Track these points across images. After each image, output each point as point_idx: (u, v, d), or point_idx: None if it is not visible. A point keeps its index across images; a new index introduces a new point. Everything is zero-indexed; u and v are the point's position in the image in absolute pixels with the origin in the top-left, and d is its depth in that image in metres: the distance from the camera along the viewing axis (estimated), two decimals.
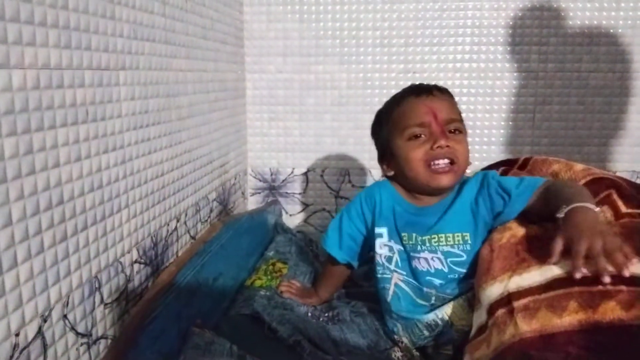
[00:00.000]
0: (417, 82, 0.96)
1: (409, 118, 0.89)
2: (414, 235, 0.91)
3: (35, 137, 0.61)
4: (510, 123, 1.51)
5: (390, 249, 0.93)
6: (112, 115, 0.78)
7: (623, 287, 0.67)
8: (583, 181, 0.89)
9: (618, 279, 0.66)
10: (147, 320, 0.77)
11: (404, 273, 0.92)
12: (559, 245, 0.70)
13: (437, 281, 0.89)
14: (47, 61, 0.63)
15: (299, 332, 0.87)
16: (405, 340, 0.93)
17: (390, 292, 0.93)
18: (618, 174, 1.48)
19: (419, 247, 0.90)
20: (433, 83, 1.36)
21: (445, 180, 0.87)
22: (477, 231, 0.89)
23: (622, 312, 0.65)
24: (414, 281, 0.91)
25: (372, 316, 0.96)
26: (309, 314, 0.96)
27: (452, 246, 0.89)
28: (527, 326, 0.69)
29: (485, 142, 1.52)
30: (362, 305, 1.00)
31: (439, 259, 0.89)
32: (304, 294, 1.04)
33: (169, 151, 0.99)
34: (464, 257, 0.88)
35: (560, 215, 0.73)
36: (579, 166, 0.95)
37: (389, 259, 0.93)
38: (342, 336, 0.89)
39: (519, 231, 0.83)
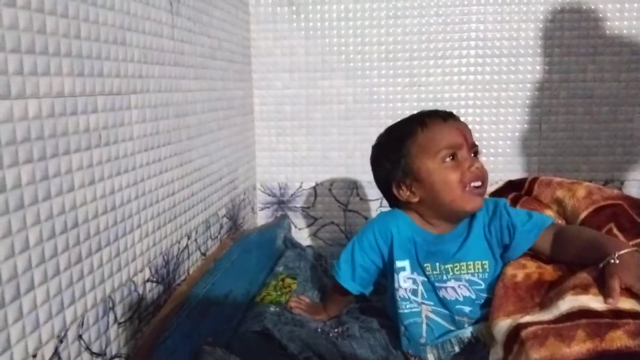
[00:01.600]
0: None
1: (441, 140, 0.88)
2: (437, 264, 0.90)
3: (51, 164, 0.63)
4: (517, 134, 1.52)
5: (414, 281, 0.92)
6: (124, 138, 0.80)
7: (630, 320, 0.69)
8: (585, 212, 0.94)
9: (625, 314, 0.70)
10: (160, 339, 0.78)
11: (432, 303, 0.91)
12: (617, 286, 0.72)
13: (467, 309, 0.90)
14: (62, 89, 0.65)
15: (309, 349, 0.88)
16: (431, 357, 0.91)
17: (424, 327, 0.91)
18: (626, 183, 1.50)
19: (444, 277, 0.90)
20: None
21: (479, 202, 0.88)
22: (495, 259, 0.91)
23: (629, 341, 0.67)
24: (443, 310, 0.91)
25: (382, 331, 0.97)
26: (319, 330, 0.97)
27: (472, 274, 0.90)
28: (536, 354, 0.70)
29: (492, 153, 1.53)
30: (372, 320, 1.00)
31: (465, 286, 0.90)
32: (313, 310, 1.04)
33: (179, 170, 1.01)
34: (483, 285, 0.90)
35: (614, 261, 0.75)
36: (580, 191, 0.97)
37: (415, 292, 0.91)
38: (351, 352, 0.90)
39: (534, 272, 0.85)
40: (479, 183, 0.87)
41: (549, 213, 0.99)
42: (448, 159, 0.88)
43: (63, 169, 0.65)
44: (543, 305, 0.77)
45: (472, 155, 0.90)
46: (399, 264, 0.92)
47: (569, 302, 0.74)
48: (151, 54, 0.89)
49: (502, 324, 0.78)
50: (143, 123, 0.86)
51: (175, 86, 0.99)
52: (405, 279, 0.92)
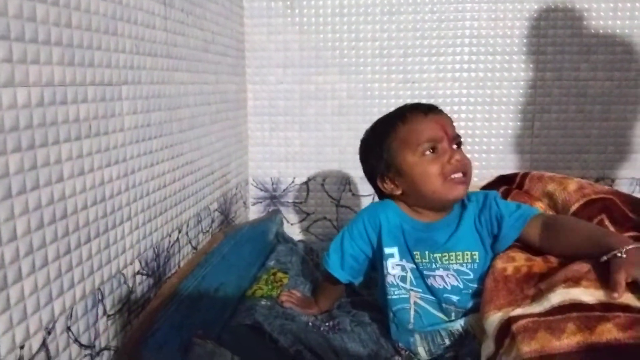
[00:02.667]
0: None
1: (420, 134, 0.89)
2: (426, 253, 0.91)
3: (40, 153, 0.63)
4: (510, 132, 1.52)
5: (403, 268, 0.92)
6: (114, 129, 0.79)
7: (620, 313, 0.69)
8: (577, 205, 0.94)
9: (616, 307, 0.69)
10: (150, 332, 0.78)
11: (420, 290, 0.92)
12: (624, 280, 0.71)
13: (454, 297, 0.90)
14: (51, 78, 0.64)
15: (300, 342, 0.88)
16: (421, 350, 0.91)
17: (412, 312, 0.92)
18: (617, 181, 1.50)
19: (432, 265, 0.91)
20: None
21: (461, 191, 0.89)
22: (486, 250, 0.91)
23: (618, 333, 0.67)
24: (431, 297, 0.91)
25: (373, 325, 0.97)
26: (310, 324, 0.97)
27: (461, 264, 0.90)
28: (527, 347, 0.70)
29: (485, 150, 1.53)
30: (363, 314, 1.00)
31: (453, 275, 0.90)
32: (305, 304, 1.04)
33: (170, 163, 1.01)
34: (471, 276, 0.90)
35: (621, 255, 0.73)
36: (572, 185, 0.97)
37: (403, 279, 0.92)
38: (342, 346, 0.90)
39: (523, 265, 0.84)
40: (459, 174, 0.89)
41: (540, 206, 0.99)
42: (428, 152, 0.89)
43: (52, 158, 0.65)
44: (534, 298, 0.77)
45: (455, 146, 0.91)
46: (387, 250, 0.93)
47: (560, 295, 0.74)
48: (143, 45, 0.88)
49: (493, 318, 0.78)
50: (134, 114, 0.85)
51: (168, 78, 0.98)
52: (394, 266, 0.93)
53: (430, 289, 0.91)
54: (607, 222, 0.87)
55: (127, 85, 0.83)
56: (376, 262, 0.97)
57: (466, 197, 0.95)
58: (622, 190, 1.02)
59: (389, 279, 0.92)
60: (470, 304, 0.90)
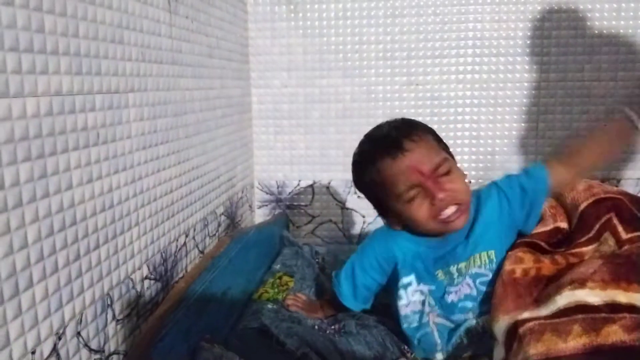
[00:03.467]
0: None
1: (396, 183, 0.85)
2: (449, 268, 0.90)
3: (49, 162, 0.64)
4: (514, 133, 1.52)
5: (422, 292, 0.92)
6: (122, 136, 0.80)
7: (626, 314, 0.69)
8: (585, 203, 0.93)
9: (622, 308, 0.70)
10: (158, 337, 0.78)
11: (437, 307, 0.92)
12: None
13: (469, 304, 0.90)
14: (60, 88, 0.65)
15: (306, 345, 0.89)
16: (439, 355, 0.91)
17: (436, 334, 0.91)
18: (622, 182, 1.50)
19: (455, 280, 0.90)
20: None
21: (459, 224, 0.86)
22: (502, 246, 0.90)
23: (624, 335, 0.68)
24: (448, 312, 0.91)
25: (378, 328, 0.98)
26: (316, 327, 0.97)
27: (479, 267, 0.90)
28: (533, 349, 0.71)
29: (490, 152, 1.54)
30: (368, 317, 1.01)
31: (467, 284, 0.90)
32: (310, 308, 1.05)
33: (177, 168, 1.02)
34: (490, 276, 0.89)
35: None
36: (581, 185, 0.98)
37: (423, 303, 0.92)
38: (348, 348, 0.90)
39: (532, 268, 0.85)
40: (450, 211, 0.84)
41: (547, 203, 0.99)
42: (411, 200, 0.85)
43: (61, 167, 0.66)
44: (541, 301, 0.78)
45: (440, 175, 0.85)
46: (405, 280, 0.92)
47: (566, 298, 0.75)
48: (149, 52, 0.89)
49: (502, 323, 0.79)
50: (141, 121, 0.86)
51: (173, 85, 0.99)
52: (413, 293, 0.92)
53: (449, 306, 0.91)
54: (615, 221, 0.86)
55: (134, 93, 0.84)
56: (391, 286, 0.97)
57: (475, 193, 0.93)
58: (629, 191, 1.02)
59: (410, 307, 0.92)
60: (485, 307, 0.89)
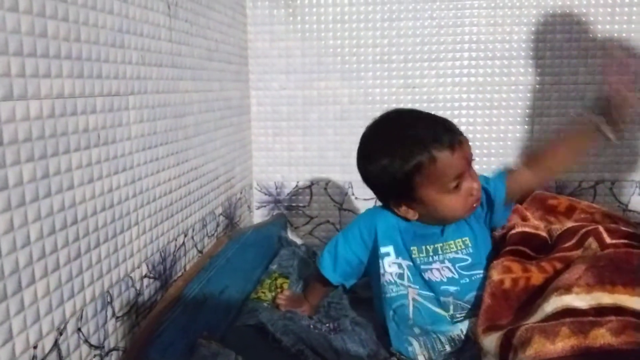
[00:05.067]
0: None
1: (448, 174, 0.87)
2: (424, 247, 0.94)
3: (51, 162, 0.66)
4: (509, 135, 1.54)
5: (400, 265, 0.95)
6: (122, 138, 0.82)
7: (613, 317, 0.71)
8: (570, 223, 0.98)
9: (608, 310, 0.72)
10: (156, 333, 0.80)
11: (418, 286, 0.94)
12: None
13: (452, 288, 0.93)
14: (62, 91, 0.67)
15: (302, 342, 0.91)
16: (421, 358, 0.93)
17: (411, 308, 0.93)
18: (617, 184, 1.52)
19: (430, 259, 0.94)
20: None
21: (473, 211, 0.93)
22: (475, 233, 0.96)
23: (612, 338, 0.69)
24: (429, 292, 0.94)
25: (372, 325, 0.99)
26: (311, 326, 0.99)
27: (456, 252, 0.94)
28: (522, 353, 0.72)
29: (485, 154, 1.55)
30: (362, 315, 1.03)
31: (447, 267, 0.93)
32: (295, 302, 1.07)
33: (176, 169, 1.04)
34: (470, 260, 0.94)
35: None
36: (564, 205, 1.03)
37: (401, 276, 0.95)
38: (343, 346, 0.92)
39: (521, 277, 0.87)
40: (476, 202, 0.92)
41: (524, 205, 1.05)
42: (456, 186, 0.89)
43: (63, 167, 0.68)
44: (531, 313, 0.79)
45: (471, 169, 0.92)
46: (383, 249, 0.95)
47: (553, 304, 0.76)
48: (149, 56, 0.91)
49: (494, 336, 0.79)
50: (141, 123, 0.88)
51: (173, 87, 1.01)
52: (390, 264, 0.95)
53: (428, 284, 0.94)
54: (601, 229, 0.88)
55: (134, 95, 0.86)
56: (371, 268, 1.00)
57: None
58: (620, 195, 1.05)
59: (386, 277, 0.95)
60: (467, 296, 0.92)
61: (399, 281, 0.95)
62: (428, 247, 0.94)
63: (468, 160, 0.90)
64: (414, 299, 0.94)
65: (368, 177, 0.97)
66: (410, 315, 0.94)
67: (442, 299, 0.93)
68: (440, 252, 0.94)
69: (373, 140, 0.96)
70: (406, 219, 0.95)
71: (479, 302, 0.88)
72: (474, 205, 0.92)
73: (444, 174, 0.87)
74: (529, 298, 0.83)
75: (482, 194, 0.94)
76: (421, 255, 0.94)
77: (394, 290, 0.95)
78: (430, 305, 0.94)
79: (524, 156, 1.00)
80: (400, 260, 0.95)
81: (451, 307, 0.92)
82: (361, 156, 0.98)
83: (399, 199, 0.94)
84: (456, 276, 0.93)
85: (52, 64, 0.65)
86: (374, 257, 0.97)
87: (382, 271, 0.95)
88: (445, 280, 0.93)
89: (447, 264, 0.94)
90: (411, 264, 0.95)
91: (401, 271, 0.95)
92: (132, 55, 0.85)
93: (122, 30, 0.82)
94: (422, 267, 0.94)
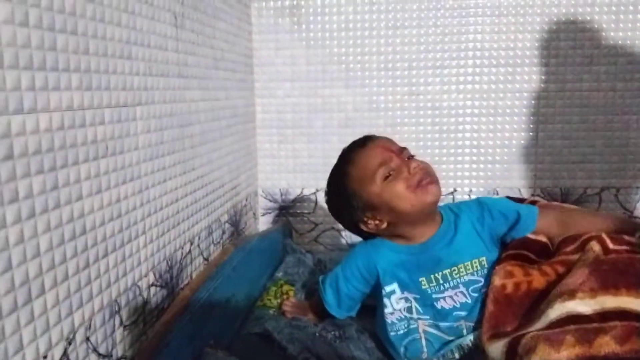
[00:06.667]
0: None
1: (370, 164, 0.91)
2: (432, 276, 0.92)
3: (60, 174, 0.66)
4: (514, 142, 1.54)
5: (406, 299, 0.94)
6: (129, 148, 0.83)
7: (617, 322, 0.71)
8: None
9: (612, 314, 0.71)
10: (164, 342, 0.81)
11: (428, 317, 0.92)
12: None
13: (463, 313, 0.91)
14: (71, 103, 0.68)
15: (307, 350, 0.91)
16: None
17: (423, 342, 0.91)
18: (621, 190, 1.52)
19: (441, 287, 0.92)
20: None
21: (435, 190, 0.90)
22: (491, 252, 0.94)
23: (616, 347, 0.69)
24: (441, 322, 0.91)
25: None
26: (317, 334, 0.99)
27: (472, 274, 0.92)
28: None
29: (490, 161, 1.56)
30: (368, 323, 1.03)
31: (462, 292, 0.91)
32: (301, 309, 1.08)
33: (182, 178, 1.04)
34: (482, 282, 0.91)
35: None
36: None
37: (409, 310, 0.93)
38: (349, 354, 0.92)
39: (523, 281, 0.86)
40: (427, 179, 0.90)
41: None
42: (387, 176, 0.90)
43: (72, 178, 0.69)
44: (535, 319, 0.79)
45: (407, 158, 0.93)
46: (387, 288, 0.94)
47: (557, 310, 0.76)
48: (156, 66, 0.92)
49: (499, 343, 0.79)
50: (148, 133, 0.89)
51: (179, 97, 1.02)
52: (397, 300, 0.94)
53: (440, 313, 0.92)
54: (604, 235, 0.88)
55: (141, 106, 0.87)
56: (376, 295, 0.98)
57: (455, 206, 0.98)
58: (626, 201, 1.05)
59: (396, 315, 0.93)
60: (476, 315, 0.90)
61: (408, 315, 0.93)
62: (437, 275, 0.92)
63: (389, 148, 0.92)
64: (424, 331, 0.92)
65: (334, 214, 1.03)
66: (424, 349, 0.91)
67: (454, 324, 0.91)
68: (450, 278, 0.92)
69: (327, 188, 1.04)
70: (381, 231, 0.96)
71: (484, 310, 0.87)
72: (424, 182, 0.89)
73: (366, 166, 0.92)
74: (532, 302, 0.83)
75: (514, 215, 0.94)
76: (431, 285, 0.92)
77: (404, 326, 0.93)
78: (441, 335, 0.91)
79: (565, 213, 0.99)
80: (406, 294, 0.94)
81: (464, 330, 0.90)
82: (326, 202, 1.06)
83: (360, 215, 0.95)
84: (469, 300, 0.91)
85: (62, 77, 0.66)
86: (379, 292, 0.96)
87: (389, 310, 0.94)
88: (458, 305, 0.91)
89: (462, 288, 0.91)
90: (418, 296, 0.93)
91: (409, 304, 0.93)
92: (140, 66, 0.86)
93: (129, 41, 0.83)
94: (433, 296, 0.92)
